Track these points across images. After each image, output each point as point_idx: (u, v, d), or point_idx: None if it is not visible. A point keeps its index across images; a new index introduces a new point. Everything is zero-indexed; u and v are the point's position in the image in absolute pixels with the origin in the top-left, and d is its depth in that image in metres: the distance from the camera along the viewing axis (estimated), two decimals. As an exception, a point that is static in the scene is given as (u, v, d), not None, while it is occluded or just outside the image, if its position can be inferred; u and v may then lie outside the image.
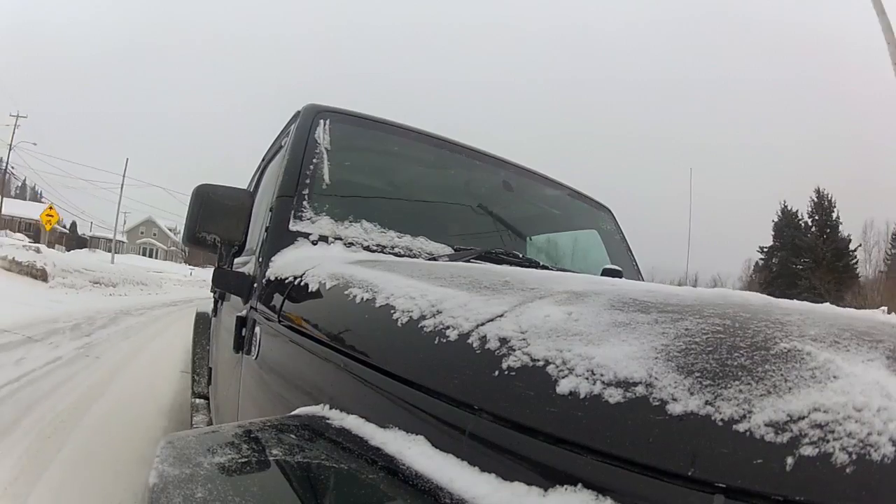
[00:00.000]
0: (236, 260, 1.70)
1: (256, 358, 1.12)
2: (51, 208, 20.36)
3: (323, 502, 0.48)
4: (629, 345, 0.41)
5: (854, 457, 0.28)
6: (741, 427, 0.31)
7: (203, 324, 3.21)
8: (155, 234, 55.55)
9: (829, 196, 27.75)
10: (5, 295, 5.80)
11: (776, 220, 28.60)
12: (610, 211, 2.19)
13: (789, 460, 0.29)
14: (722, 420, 0.32)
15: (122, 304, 8.31)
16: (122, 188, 30.05)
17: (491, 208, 1.88)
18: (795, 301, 0.53)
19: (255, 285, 1.26)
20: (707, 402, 0.33)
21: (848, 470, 0.28)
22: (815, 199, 27.97)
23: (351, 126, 1.55)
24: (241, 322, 1.28)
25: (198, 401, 2.81)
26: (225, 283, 1.45)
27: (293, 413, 0.69)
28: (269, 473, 0.51)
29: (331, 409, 0.66)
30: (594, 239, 2.06)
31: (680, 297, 0.52)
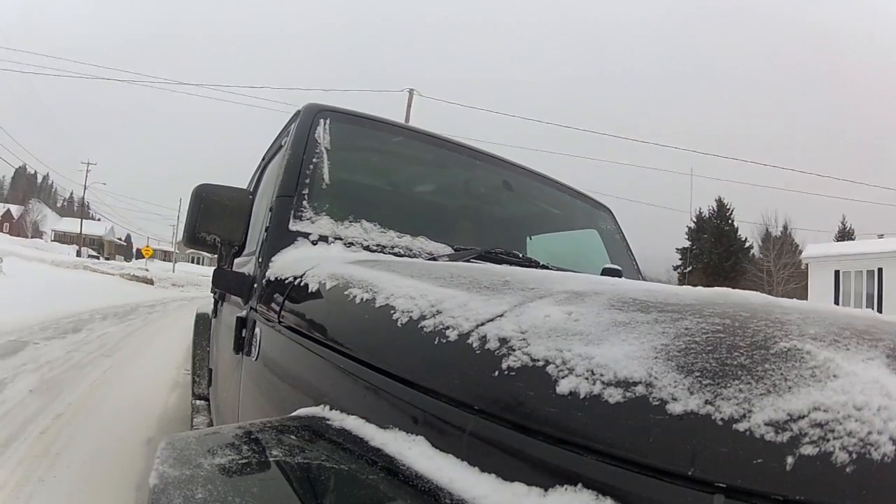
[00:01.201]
0: (236, 260, 1.70)
1: (256, 359, 1.12)
2: (147, 247, 30.22)
3: (323, 503, 0.47)
4: (629, 344, 0.41)
5: (854, 456, 0.28)
6: (741, 426, 0.31)
7: (203, 325, 3.21)
8: (201, 245, 62.70)
9: (729, 204, 31.78)
10: (144, 291, 14.51)
11: (692, 225, 31.72)
12: (610, 210, 2.19)
13: (789, 460, 0.29)
14: (722, 419, 0.32)
15: (192, 294, 16.03)
16: (177, 222, 39.27)
17: (491, 208, 1.88)
18: (795, 300, 0.53)
19: (255, 286, 1.26)
20: (707, 402, 0.33)
21: (848, 469, 0.28)
22: (716, 208, 31.71)
23: (351, 126, 1.55)
24: (241, 323, 1.28)
25: (198, 402, 2.81)
26: (225, 284, 1.44)
27: (293, 414, 0.69)
28: (270, 474, 0.51)
29: (331, 409, 0.66)
30: (594, 238, 2.06)
31: (679, 297, 0.52)
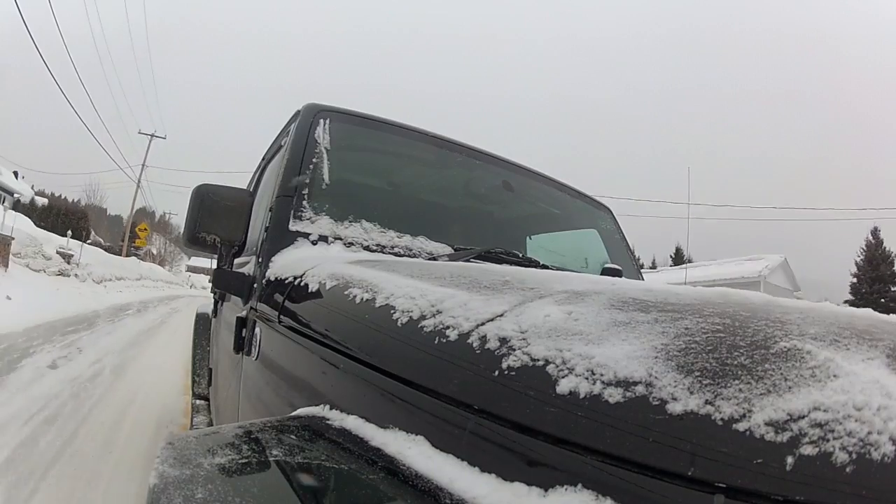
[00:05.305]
0: (236, 260, 1.70)
1: (256, 358, 1.12)
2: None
3: (323, 503, 0.47)
4: (629, 344, 0.41)
5: (854, 456, 0.28)
6: (741, 426, 0.31)
7: (203, 325, 3.21)
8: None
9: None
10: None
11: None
12: (610, 210, 2.19)
13: (789, 460, 0.29)
14: (722, 419, 0.32)
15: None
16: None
17: (491, 208, 1.88)
18: (795, 300, 0.53)
19: (255, 286, 1.26)
20: (707, 402, 0.33)
21: (848, 469, 0.28)
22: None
23: (351, 125, 1.54)
24: (242, 323, 1.28)
25: (198, 402, 2.81)
26: (225, 284, 1.44)
27: (293, 414, 0.69)
28: (270, 474, 0.51)
29: (331, 409, 0.66)
30: (594, 238, 2.06)
31: (680, 297, 0.52)
